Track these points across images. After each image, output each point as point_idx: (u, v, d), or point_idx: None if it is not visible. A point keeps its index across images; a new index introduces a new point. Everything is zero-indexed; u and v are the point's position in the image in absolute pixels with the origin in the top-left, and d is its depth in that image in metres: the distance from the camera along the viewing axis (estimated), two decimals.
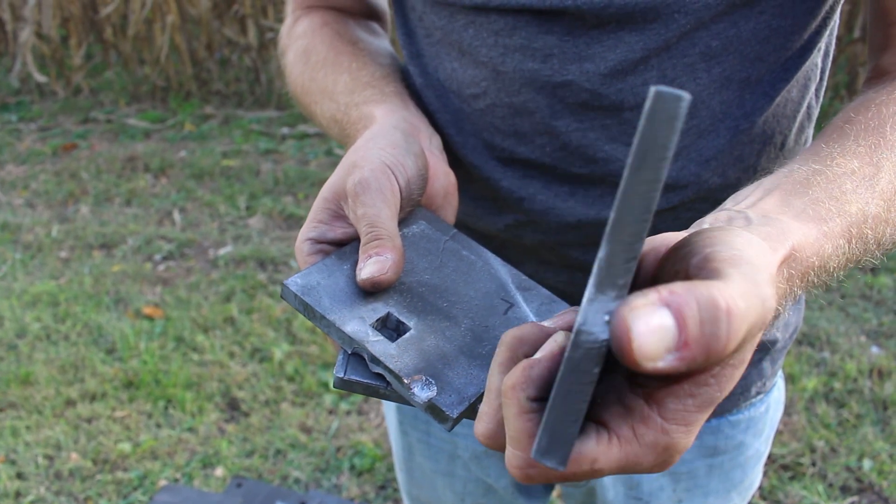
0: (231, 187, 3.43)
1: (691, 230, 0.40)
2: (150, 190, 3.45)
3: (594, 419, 0.36)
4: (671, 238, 0.38)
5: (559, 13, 0.60)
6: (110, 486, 1.93)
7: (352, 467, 1.98)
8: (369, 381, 0.46)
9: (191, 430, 2.11)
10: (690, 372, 0.33)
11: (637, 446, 0.35)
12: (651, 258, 0.38)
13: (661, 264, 0.37)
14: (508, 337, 0.37)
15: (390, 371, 0.45)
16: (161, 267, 2.87)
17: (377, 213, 0.50)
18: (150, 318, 2.55)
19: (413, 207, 0.55)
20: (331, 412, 2.16)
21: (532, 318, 0.51)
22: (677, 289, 0.29)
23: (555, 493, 1.83)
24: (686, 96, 0.29)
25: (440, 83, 0.69)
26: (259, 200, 3.31)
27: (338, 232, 0.52)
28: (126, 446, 2.04)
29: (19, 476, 1.97)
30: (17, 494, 1.91)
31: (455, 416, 0.44)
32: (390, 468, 1.97)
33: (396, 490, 1.92)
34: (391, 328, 0.49)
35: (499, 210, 0.70)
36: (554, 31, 0.61)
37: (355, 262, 0.50)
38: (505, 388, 0.34)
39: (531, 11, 0.61)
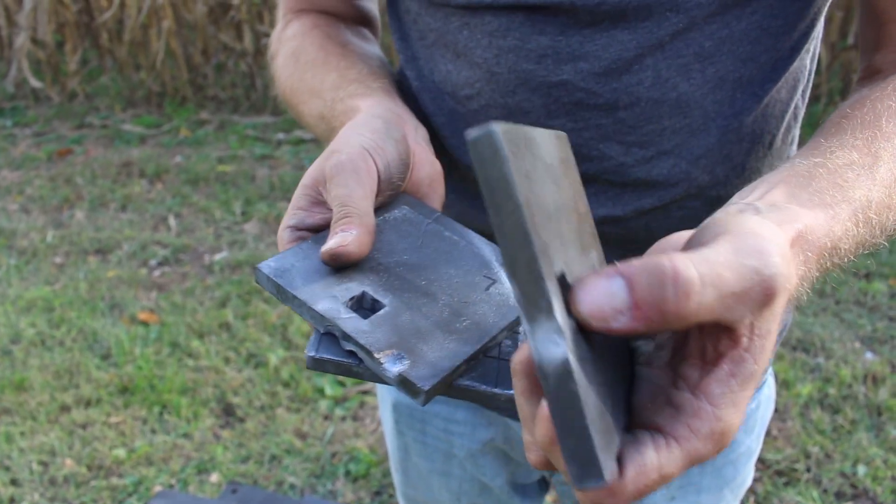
0: (226, 193, 3.43)
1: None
2: (145, 195, 3.45)
3: (648, 426, 0.36)
4: (685, 236, 0.39)
5: (553, 11, 0.61)
6: (105, 492, 1.93)
7: (347, 473, 1.98)
8: (341, 358, 0.46)
9: (186, 435, 2.10)
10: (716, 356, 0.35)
11: (696, 441, 0.35)
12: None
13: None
14: (518, 365, 0.37)
15: (361, 346, 0.45)
16: (156, 272, 2.87)
17: (349, 193, 0.50)
18: (145, 324, 2.55)
19: (394, 191, 0.55)
20: (326, 418, 2.16)
21: None
22: (633, 261, 0.32)
23: (550, 499, 1.83)
24: (494, 128, 0.29)
25: (435, 85, 0.70)
26: (255, 206, 3.31)
27: (316, 217, 0.53)
28: (121, 452, 2.04)
29: (13, 482, 1.96)
30: (12, 501, 1.91)
31: (427, 389, 0.43)
32: (386, 474, 1.97)
33: (392, 496, 1.92)
34: (367, 308, 0.48)
35: None
36: (547, 32, 0.61)
37: None
38: (537, 436, 0.35)
39: (525, 10, 0.61)
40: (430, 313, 0.48)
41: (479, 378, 0.46)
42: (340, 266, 0.49)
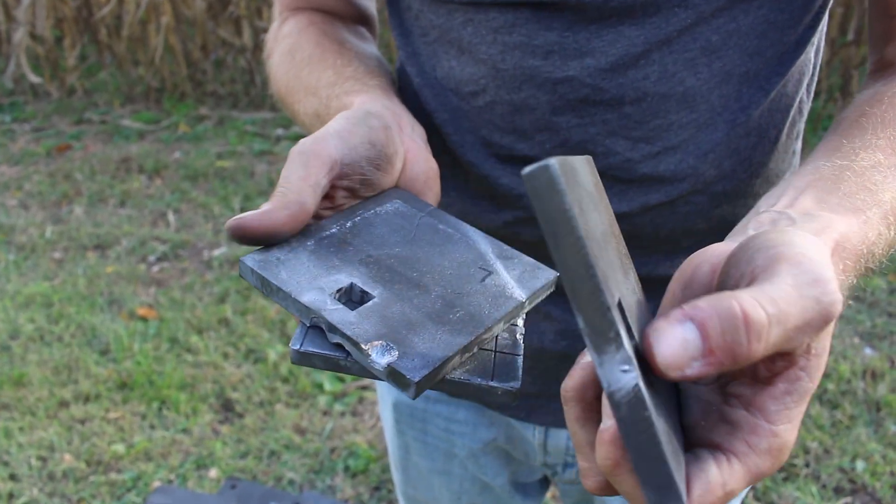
0: (225, 188, 3.42)
1: (738, 236, 0.41)
2: (144, 191, 3.44)
3: (705, 444, 0.36)
4: (721, 249, 0.39)
5: (559, 7, 0.60)
6: (104, 487, 1.93)
7: (346, 468, 1.98)
8: (328, 352, 0.44)
9: (185, 431, 2.10)
10: (775, 374, 0.35)
11: (755, 457, 0.35)
12: (704, 271, 0.39)
13: (723, 273, 0.38)
14: (570, 392, 0.37)
15: (347, 338, 0.43)
16: (155, 268, 2.86)
17: (288, 175, 0.49)
18: (144, 320, 2.55)
19: (367, 177, 0.53)
20: (325, 413, 2.16)
21: (513, 284, 0.49)
22: (700, 303, 0.32)
23: (549, 495, 1.83)
24: (552, 162, 0.30)
25: (437, 82, 0.69)
26: (254, 202, 3.31)
27: None
28: (120, 447, 2.04)
29: (12, 477, 1.96)
30: (10, 496, 1.91)
31: (417, 380, 0.41)
32: (385, 469, 1.97)
33: (391, 491, 1.92)
34: (355, 300, 0.46)
35: (497, 207, 0.70)
36: (554, 27, 0.61)
37: (319, 239, 0.49)
38: (598, 461, 0.35)
39: (531, 6, 0.61)
40: (422, 305, 0.46)
41: (474, 371, 0.45)
42: (250, 242, 0.47)
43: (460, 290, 0.48)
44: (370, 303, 0.45)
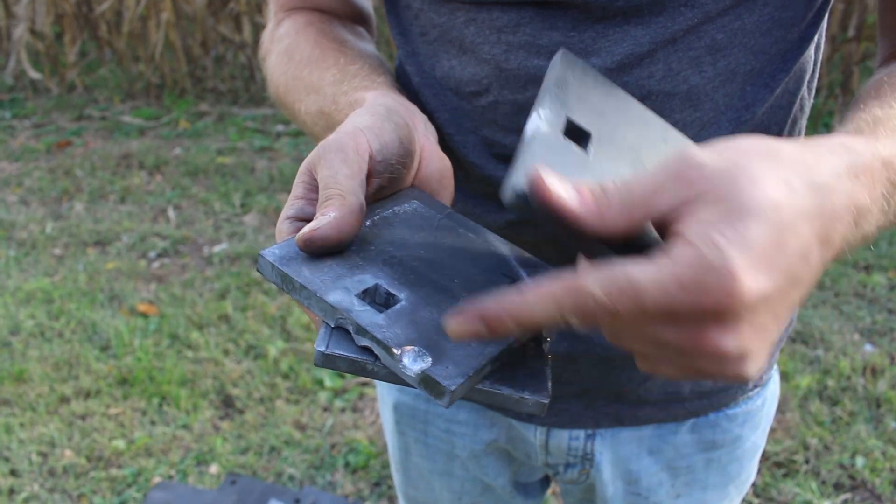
0: (226, 185, 3.42)
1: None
2: (144, 187, 3.44)
3: None
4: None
5: (564, 6, 0.60)
6: (104, 483, 1.93)
7: (346, 464, 1.98)
8: (355, 355, 0.42)
9: (185, 427, 2.10)
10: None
11: (669, 261, 0.35)
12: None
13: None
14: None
15: (378, 342, 0.41)
16: (155, 264, 2.87)
17: (333, 174, 0.47)
18: (144, 316, 2.55)
19: (394, 176, 0.52)
20: (325, 409, 2.16)
21: None
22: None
23: (550, 492, 1.83)
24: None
25: (437, 81, 0.68)
26: (254, 198, 3.31)
27: (315, 205, 0.49)
28: (120, 443, 2.04)
29: (13, 473, 1.96)
30: (11, 491, 1.91)
31: (453, 389, 0.39)
32: (385, 465, 1.97)
33: (391, 487, 1.92)
34: (380, 302, 0.44)
35: (499, 207, 0.69)
36: (559, 27, 0.60)
37: None
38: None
39: (535, 5, 0.60)
40: (450, 310, 0.43)
41: (503, 381, 0.43)
42: (320, 252, 0.45)
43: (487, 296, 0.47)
44: (398, 306, 0.44)
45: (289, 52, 0.71)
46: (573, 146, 0.43)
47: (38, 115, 4.29)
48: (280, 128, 4.01)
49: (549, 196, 0.37)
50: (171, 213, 3.22)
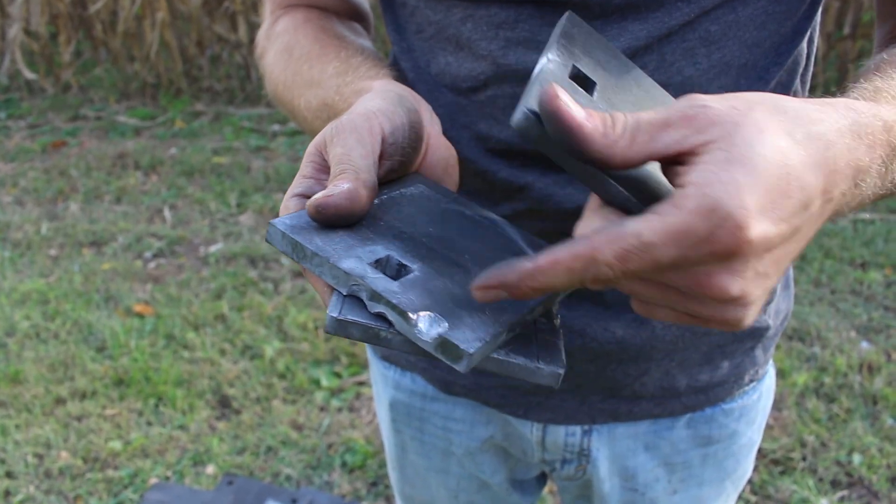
0: (222, 184, 3.42)
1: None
2: (140, 187, 3.44)
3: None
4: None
5: (563, 3, 0.60)
6: (100, 484, 1.93)
7: (343, 464, 1.98)
8: (368, 321, 0.41)
9: (181, 427, 2.10)
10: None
11: (676, 211, 0.35)
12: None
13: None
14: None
15: (393, 307, 0.40)
16: (151, 264, 2.86)
17: (347, 152, 0.47)
18: (140, 316, 2.54)
19: (403, 159, 0.52)
20: (322, 409, 2.16)
21: None
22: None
23: (547, 489, 1.83)
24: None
25: (432, 77, 0.68)
26: (250, 197, 3.30)
27: (324, 184, 0.49)
28: (116, 444, 2.03)
29: (8, 475, 1.96)
30: (7, 493, 1.90)
31: (472, 352, 0.39)
32: (382, 465, 1.97)
33: (388, 487, 1.92)
34: (391, 273, 0.44)
35: (496, 202, 0.69)
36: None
37: None
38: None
39: (533, 2, 0.60)
40: (464, 282, 0.44)
41: (518, 352, 0.43)
42: (330, 222, 0.45)
43: None
44: (411, 276, 0.43)
45: (287, 48, 0.71)
46: (580, 89, 0.44)
47: (33, 115, 4.28)
48: (276, 127, 4.00)
49: (560, 108, 0.37)
50: (166, 213, 3.22)
